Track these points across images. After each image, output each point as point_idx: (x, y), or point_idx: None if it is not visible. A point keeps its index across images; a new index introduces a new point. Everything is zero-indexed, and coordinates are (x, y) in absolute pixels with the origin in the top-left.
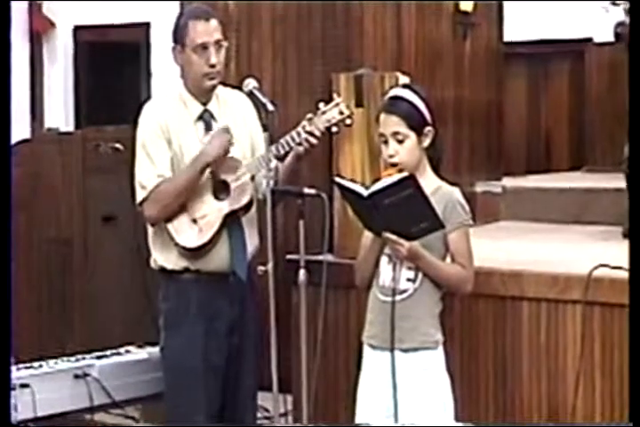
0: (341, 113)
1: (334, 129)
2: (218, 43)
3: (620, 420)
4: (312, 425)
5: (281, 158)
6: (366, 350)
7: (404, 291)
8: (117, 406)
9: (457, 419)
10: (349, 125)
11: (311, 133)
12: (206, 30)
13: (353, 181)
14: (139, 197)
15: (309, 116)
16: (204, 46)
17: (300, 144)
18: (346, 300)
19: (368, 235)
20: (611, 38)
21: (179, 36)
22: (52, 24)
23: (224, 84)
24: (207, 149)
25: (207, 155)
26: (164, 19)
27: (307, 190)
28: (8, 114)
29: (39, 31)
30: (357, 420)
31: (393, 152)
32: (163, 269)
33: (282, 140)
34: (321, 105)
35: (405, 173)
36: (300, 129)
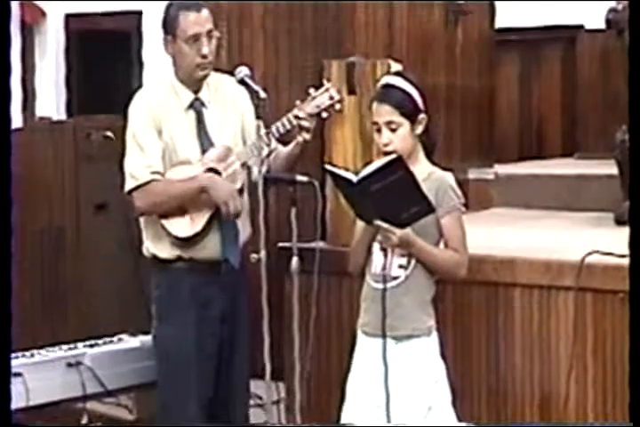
0: (331, 98)
1: (324, 114)
2: (209, 33)
3: (612, 406)
4: (306, 425)
5: (279, 141)
6: (360, 336)
7: (396, 278)
8: (110, 394)
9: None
10: (340, 111)
11: (300, 117)
12: (197, 21)
13: (345, 169)
14: (127, 186)
15: (299, 102)
16: (196, 37)
17: (290, 131)
18: (338, 287)
19: (361, 221)
20: (602, 25)
21: (169, 26)
22: (44, 14)
23: (216, 69)
24: (215, 186)
25: (211, 188)
26: (156, 7)
27: (299, 178)
28: (8, 105)
29: (30, 21)
30: (345, 407)
31: (387, 140)
32: (155, 258)
33: (272, 127)
34: (311, 91)
35: (393, 156)
36: (290, 115)
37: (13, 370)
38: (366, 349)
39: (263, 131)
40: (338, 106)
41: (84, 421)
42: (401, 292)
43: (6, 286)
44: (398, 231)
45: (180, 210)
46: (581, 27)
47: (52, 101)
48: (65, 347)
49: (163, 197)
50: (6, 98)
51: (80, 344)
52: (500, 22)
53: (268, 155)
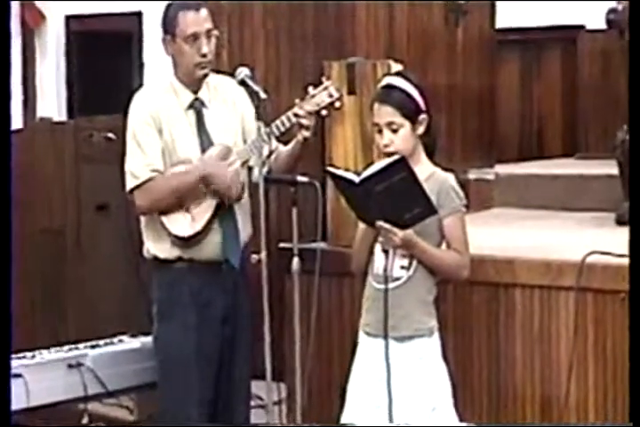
0: (331, 96)
1: (324, 112)
2: (208, 32)
3: (613, 406)
4: (307, 425)
5: (279, 140)
6: (362, 337)
7: (398, 279)
8: (111, 395)
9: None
10: (339, 108)
11: (300, 115)
12: (196, 20)
13: (346, 170)
14: (129, 186)
15: (298, 100)
16: (195, 36)
17: (290, 129)
18: (339, 288)
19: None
20: (603, 26)
21: (169, 26)
22: (44, 16)
23: (216, 71)
24: (216, 171)
25: (212, 175)
26: (156, 8)
27: (299, 178)
28: (8, 105)
29: (32, 24)
30: (346, 408)
31: (388, 141)
32: (155, 259)
33: (272, 126)
34: (310, 89)
35: (397, 156)
36: (289, 113)
37: (14, 371)
38: (368, 349)
39: (263, 130)
40: (337, 104)
41: (85, 422)
42: (402, 293)
43: (6, 286)
44: (400, 232)
45: (181, 207)
46: (582, 27)
47: (53, 102)
48: (66, 348)
49: (163, 192)
50: (7, 98)
51: (81, 345)
52: (500, 22)
53: (269, 155)
